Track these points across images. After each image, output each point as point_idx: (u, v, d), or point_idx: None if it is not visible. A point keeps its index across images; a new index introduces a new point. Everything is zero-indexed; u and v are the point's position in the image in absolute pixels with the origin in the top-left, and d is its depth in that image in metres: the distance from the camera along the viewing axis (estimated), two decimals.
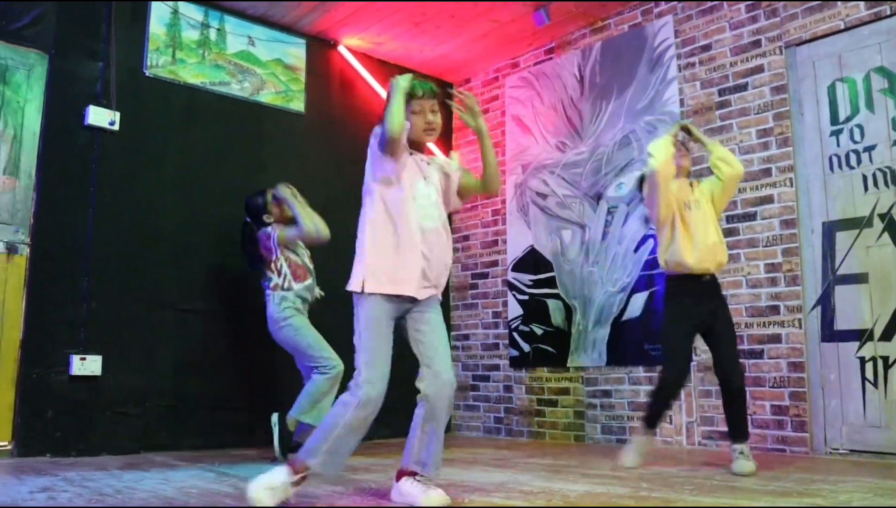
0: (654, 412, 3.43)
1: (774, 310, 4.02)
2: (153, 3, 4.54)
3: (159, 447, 4.17)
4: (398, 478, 2.52)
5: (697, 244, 3.30)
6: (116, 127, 4.24)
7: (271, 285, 3.91)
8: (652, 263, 4.53)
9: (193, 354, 4.39)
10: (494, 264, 5.55)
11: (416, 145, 2.64)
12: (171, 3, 4.62)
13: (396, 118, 2.42)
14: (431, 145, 2.79)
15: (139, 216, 4.31)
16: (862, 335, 3.73)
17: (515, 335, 5.30)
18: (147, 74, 4.47)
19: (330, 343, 3.83)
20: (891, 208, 3.70)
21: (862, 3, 3.86)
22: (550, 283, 5.12)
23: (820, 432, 3.81)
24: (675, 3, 4.68)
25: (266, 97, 4.98)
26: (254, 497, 2.34)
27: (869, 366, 3.69)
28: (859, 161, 3.83)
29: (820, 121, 4.00)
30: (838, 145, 3.92)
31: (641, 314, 4.57)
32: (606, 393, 4.71)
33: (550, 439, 4.97)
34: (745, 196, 4.19)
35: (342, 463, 2.48)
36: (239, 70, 4.88)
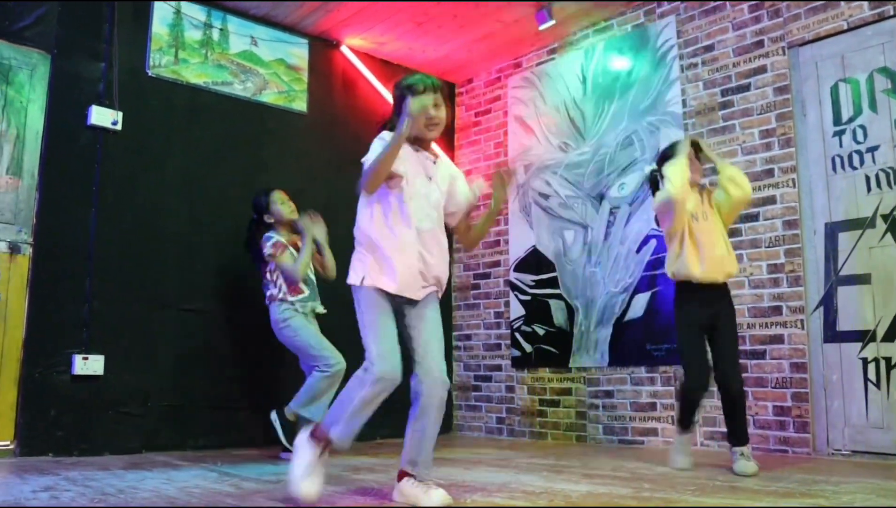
0: (683, 416, 3.42)
1: (777, 311, 4.01)
2: (156, 3, 4.54)
3: (161, 446, 4.17)
4: (399, 478, 2.51)
5: (705, 258, 3.28)
6: (119, 127, 4.24)
7: (268, 293, 3.97)
8: (654, 263, 4.53)
9: (196, 353, 4.39)
10: (496, 264, 5.55)
11: (421, 142, 2.59)
12: (173, 3, 4.62)
13: (381, 171, 2.39)
14: (439, 151, 2.75)
15: (142, 216, 4.31)
16: (864, 336, 3.72)
17: (517, 335, 5.30)
18: (150, 74, 4.47)
19: (336, 342, 3.85)
20: (893, 208, 3.69)
21: (865, 4, 3.86)
22: (552, 283, 5.12)
23: (822, 433, 3.81)
24: (678, 3, 4.68)
25: (268, 97, 4.99)
26: (303, 493, 2.37)
27: (871, 367, 3.68)
28: (862, 162, 3.83)
29: (823, 121, 4.00)
30: (841, 146, 3.91)
31: (644, 315, 4.57)
32: (608, 394, 4.71)
33: (552, 439, 4.96)
34: None
35: (355, 436, 2.46)
36: (241, 70, 4.89)
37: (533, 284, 5.25)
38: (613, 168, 4.86)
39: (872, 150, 3.80)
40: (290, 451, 3.89)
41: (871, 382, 3.67)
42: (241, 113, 4.83)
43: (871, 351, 3.69)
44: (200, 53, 4.72)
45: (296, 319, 3.88)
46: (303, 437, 2.48)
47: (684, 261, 3.30)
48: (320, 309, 4.03)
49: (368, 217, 2.53)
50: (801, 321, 3.92)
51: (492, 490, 2.77)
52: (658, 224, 3.62)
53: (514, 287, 5.38)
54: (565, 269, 5.06)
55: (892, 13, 3.77)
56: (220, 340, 4.48)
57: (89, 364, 3.97)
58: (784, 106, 4.11)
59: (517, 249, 5.41)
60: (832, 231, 3.90)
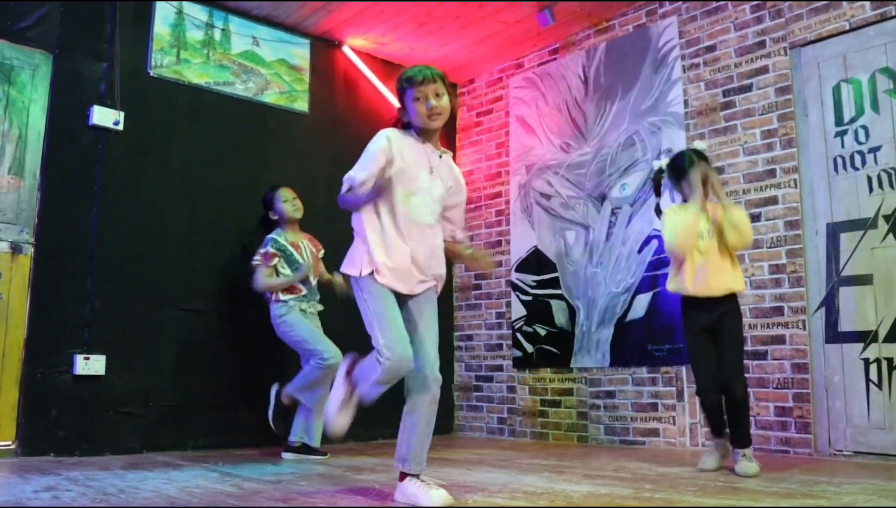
0: (708, 422, 3.42)
1: (778, 311, 4.01)
2: (157, 3, 4.54)
3: (162, 446, 4.18)
4: (401, 478, 2.51)
5: (703, 279, 3.27)
6: (121, 127, 4.25)
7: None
8: (656, 263, 4.53)
9: (197, 354, 4.39)
10: (498, 264, 5.55)
11: (425, 133, 2.58)
12: (175, 4, 4.62)
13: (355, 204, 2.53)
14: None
15: (143, 216, 4.31)
16: (866, 337, 3.72)
17: (519, 335, 5.30)
18: (151, 74, 4.47)
19: (337, 338, 3.87)
20: (895, 209, 3.69)
21: (867, 4, 3.85)
22: (554, 284, 5.11)
23: (824, 433, 3.80)
24: (680, 3, 4.67)
25: (270, 97, 4.99)
26: (335, 426, 2.56)
27: (873, 368, 3.68)
28: (864, 162, 3.82)
29: (825, 122, 3.99)
30: (843, 146, 3.91)
31: (645, 315, 4.56)
32: (610, 394, 4.71)
33: (553, 439, 4.96)
34: (750, 197, 4.18)
35: (377, 397, 2.55)
36: (243, 70, 4.89)
37: (534, 284, 5.25)
38: (615, 169, 4.86)
39: (874, 150, 3.79)
40: (290, 450, 3.95)
41: (873, 382, 3.67)
42: (242, 113, 4.83)
43: (872, 352, 3.69)
44: (202, 53, 4.72)
45: (291, 314, 3.95)
46: (340, 374, 2.60)
47: (682, 282, 3.31)
48: (314, 309, 4.06)
49: (368, 209, 2.53)
50: (803, 321, 3.92)
51: (493, 490, 2.76)
52: (652, 221, 3.60)
53: (515, 287, 5.38)
54: (567, 269, 5.06)
55: (894, 13, 3.76)
56: (221, 340, 4.48)
57: (91, 364, 3.97)
58: (786, 106, 4.11)
59: (518, 249, 5.41)
60: (834, 232, 3.90)
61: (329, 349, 3.83)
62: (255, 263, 4.00)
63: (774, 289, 4.04)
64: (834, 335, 3.83)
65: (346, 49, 5.38)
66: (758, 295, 4.09)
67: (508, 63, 5.70)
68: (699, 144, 3.60)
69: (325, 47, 5.30)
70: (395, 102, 2.70)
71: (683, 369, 4.34)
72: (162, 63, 4.52)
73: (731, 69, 4.37)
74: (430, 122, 2.53)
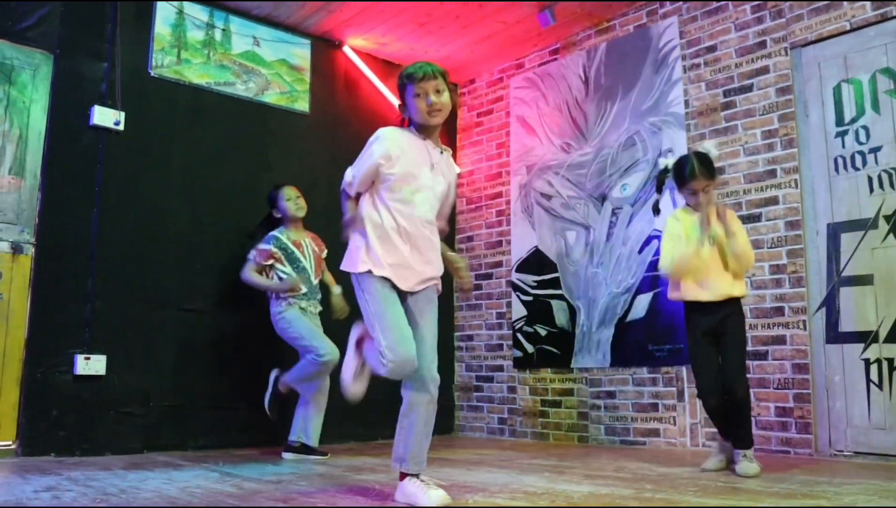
0: (717, 426, 3.41)
1: (779, 311, 4.01)
2: (158, 3, 4.55)
3: (163, 446, 4.18)
4: (402, 478, 2.51)
5: (706, 285, 3.27)
6: (121, 127, 4.25)
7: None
8: (656, 264, 4.49)
9: (197, 354, 4.39)
10: (498, 264, 5.55)
11: (425, 130, 2.58)
12: (176, 4, 4.62)
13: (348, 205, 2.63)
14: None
15: (144, 216, 4.31)
16: (867, 337, 3.72)
17: (519, 335, 5.30)
18: (152, 74, 4.47)
19: (337, 338, 3.88)
20: None
21: (868, 4, 3.85)
22: (554, 284, 5.11)
23: (824, 434, 3.80)
24: (680, 3, 4.67)
25: (271, 97, 4.99)
26: (352, 392, 2.61)
27: (874, 368, 3.68)
28: (865, 162, 3.82)
29: (825, 122, 3.99)
30: (843, 147, 3.91)
31: (645, 315, 4.56)
32: (610, 394, 4.71)
33: (554, 440, 4.96)
34: (750, 197, 4.18)
35: None
36: (244, 70, 4.89)
37: (535, 284, 5.25)
38: (616, 169, 4.86)
39: (875, 151, 3.79)
40: (290, 450, 3.95)
41: (874, 383, 3.67)
42: (243, 113, 4.83)
43: (873, 352, 3.69)
44: (203, 54, 4.72)
45: (289, 311, 3.96)
46: (351, 345, 2.63)
47: (680, 290, 3.33)
48: (314, 309, 4.07)
49: (367, 206, 2.53)
50: (804, 321, 3.91)
51: (493, 490, 2.76)
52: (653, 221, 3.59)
53: (515, 288, 5.38)
54: (567, 269, 5.05)
55: (894, 14, 3.76)
56: (221, 340, 4.48)
57: (91, 364, 3.97)
58: (786, 107, 4.11)
59: (519, 249, 5.41)
60: (834, 232, 3.90)
61: (325, 346, 3.84)
62: (250, 255, 4.04)
63: (775, 289, 4.04)
64: (834, 335, 3.83)
65: (346, 49, 5.38)
66: (758, 295, 4.09)
67: (509, 63, 5.70)
68: (710, 148, 3.43)
69: (325, 47, 5.30)
70: (396, 102, 2.70)
71: (684, 369, 4.34)
72: (163, 63, 4.53)
73: (731, 69, 4.37)
74: (431, 118, 2.53)
